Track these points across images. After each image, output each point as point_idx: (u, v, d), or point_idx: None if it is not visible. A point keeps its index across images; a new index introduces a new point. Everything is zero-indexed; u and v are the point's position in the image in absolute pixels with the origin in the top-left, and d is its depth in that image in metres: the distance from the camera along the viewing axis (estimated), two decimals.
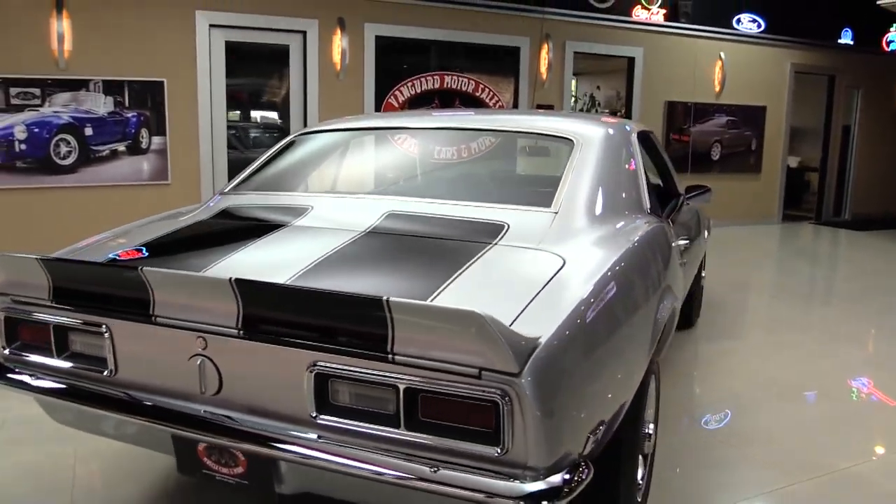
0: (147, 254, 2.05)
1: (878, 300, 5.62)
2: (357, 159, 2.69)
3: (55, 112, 5.88)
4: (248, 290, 1.54)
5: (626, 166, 2.47)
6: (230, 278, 1.54)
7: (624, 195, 2.34)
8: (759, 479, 2.62)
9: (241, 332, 1.58)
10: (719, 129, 9.12)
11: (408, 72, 7.37)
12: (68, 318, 1.82)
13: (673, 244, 2.72)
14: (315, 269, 1.79)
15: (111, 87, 6.04)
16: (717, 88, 8.99)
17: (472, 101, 7.65)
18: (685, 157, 8.92)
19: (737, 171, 9.38)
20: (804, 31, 9.38)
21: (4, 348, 1.96)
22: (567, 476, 1.40)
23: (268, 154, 2.71)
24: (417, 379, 1.43)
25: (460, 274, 1.70)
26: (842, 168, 10.44)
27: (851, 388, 3.61)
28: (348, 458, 1.49)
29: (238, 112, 6.94)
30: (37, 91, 5.79)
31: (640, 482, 2.26)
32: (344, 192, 2.36)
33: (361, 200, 2.25)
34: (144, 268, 1.65)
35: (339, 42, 6.86)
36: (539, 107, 7.98)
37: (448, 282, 1.66)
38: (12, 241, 5.68)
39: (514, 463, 1.39)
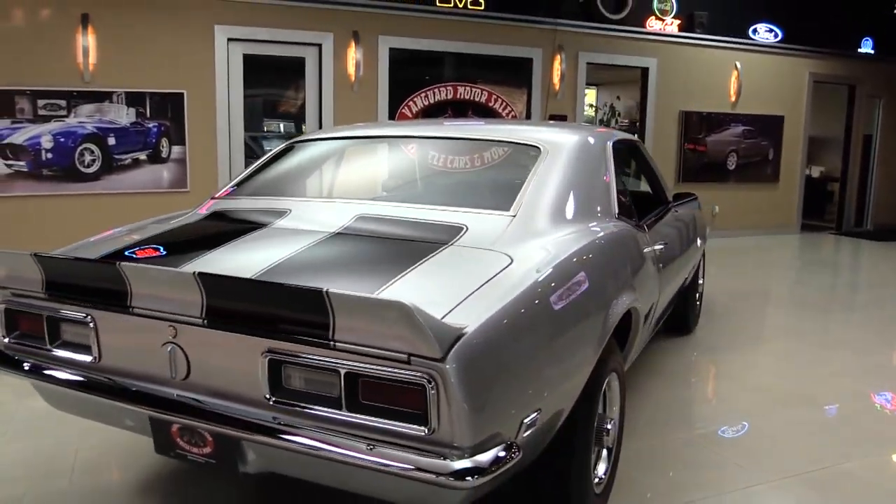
0: (137, 252, 2.21)
1: (888, 310, 5.60)
2: (339, 166, 2.84)
3: (80, 122, 6.15)
4: (210, 283, 1.69)
5: (594, 173, 2.58)
6: (194, 272, 1.68)
7: (588, 200, 2.44)
8: (727, 478, 2.69)
9: (205, 321, 1.73)
10: (735, 139, 9.12)
11: (421, 83, 7.53)
12: (59, 309, 1.98)
13: (646, 249, 2.82)
14: (281, 265, 1.93)
15: (133, 99, 6.30)
16: (733, 98, 9.00)
17: (485, 112, 7.79)
18: (701, 166, 8.94)
19: (754, 181, 9.36)
20: (823, 41, 9.34)
21: (5, 337, 2.14)
22: (493, 456, 1.51)
23: (260, 161, 2.88)
24: (356, 364, 1.55)
25: (411, 270, 1.83)
26: (863, 178, 10.33)
27: (845, 396, 3.63)
28: (297, 437, 1.62)
29: (255, 122, 7.16)
30: (63, 102, 6.08)
31: (603, 476, 2.35)
32: (323, 196, 2.51)
33: (336, 204, 2.39)
34: (122, 263, 1.81)
35: (353, 54, 7.05)
36: (552, 117, 8.08)
37: (398, 277, 1.78)
38: (39, 244, 5.95)
39: (442, 442, 1.50)
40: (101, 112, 6.22)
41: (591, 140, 2.76)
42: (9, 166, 5.95)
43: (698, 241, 4.12)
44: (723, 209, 9.17)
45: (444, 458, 1.49)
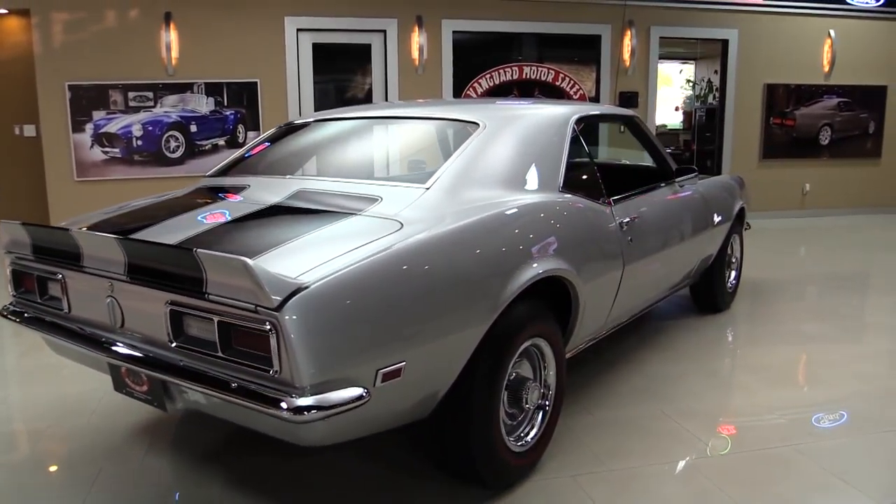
0: (114, 219, 2.56)
1: None
2: (300, 146, 3.09)
3: (165, 112, 6.79)
4: (128, 246, 1.99)
5: (536, 148, 2.67)
6: (116, 237, 1.99)
7: (519, 174, 2.54)
8: (679, 449, 2.71)
9: (128, 277, 2.03)
10: (829, 112, 8.57)
11: (486, 64, 7.65)
12: (42, 268, 2.36)
13: (609, 224, 2.87)
14: (209, 231, 2.20)
15: (212, 89, 6.86)
16: (826, 68, 8.45)
17: (552, 91, 7.79)
18: (788, 142, 8.49)
19: (851, 157, 8.77)
20: None
21: (14, 295, 2.56)
22: (333, 396, 1.71)
23: (250, 143, 3.19)
24: (224, 314, 1.79)
25: (306, 235, 2.04)
26: None
27: (848, 378, 3.49)
28: (185, 377, 1.90)
29: (325, 107, 7.57)
30: (150, 94, 6.73)
31: (530, 440, 2.45)
32: (279, 173, 2.76)
33: (286, 180, 2.64)
34: (72, 230, 2.15)
35: (417, 39, 7.28)
36: (622, 94, 7.96)
37: (291, 240, 2.00)
38: None
39: (285, 382, 1.71)
40: (184, 102, 6.83)
41: (542, 117, 2.83)
42: (105, 153, 6.69)
43: (716, 218, 4.03)
44: (814, 187, 8.67)
45: (289, 397, 1.70)
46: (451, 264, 2.04)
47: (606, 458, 2.64)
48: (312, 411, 1.68)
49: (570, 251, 2.53)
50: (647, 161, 4.04)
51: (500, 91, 7.67)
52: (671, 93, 13.60)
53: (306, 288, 1.70)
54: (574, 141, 2.91)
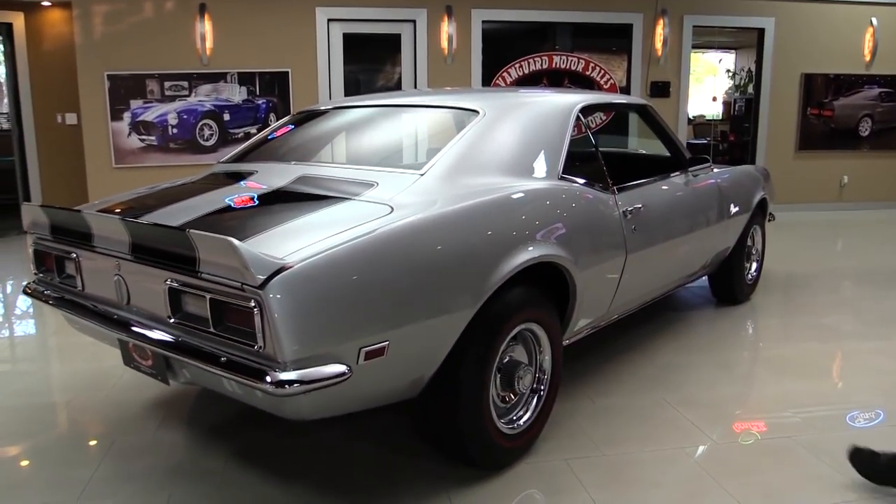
0: (130, 202, 2.67)
1: None
2: (307, 134, 3.17)
3: (199, 101, 6.97)
4: (131, 227, 2.09)
5: (537, 136, 2.70)
6: (120, 218, 2.10)
7: (518, 161, 2.57)
8: (676, 436, 2.73)
9: (132, 256, 2.14)
10: (870, 103, 8.34)
11: (516, 53, 7.63)
12: (59, 248, 2.49)
13: (613, 212, 2.89)
14: (212, 214, 2.30)
15: (244, 78, 7.01)
16: (868, 58, 8.21)
17: (581, 81, 7.75)
18: (826, 133, 8.29)
19: (894, 149, 8.51)
20: None
21: (36, 273, 2.70)
22: (314, 371, 1.78)
23: (266, 130, 3.29)
24: (216, 292, 1.88)
25: (300, 218, 2.12)
26: None
27: (863, 373, 3.44)
28: (182, 351, 1.99)
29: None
30: (185, 84, 6.91)
31: (522, 423, 2.50)
32: (286, 160, 2.84)
33: (291, 166, 2.72)
34: (84, 211, 2.27)
35: (446, 28, 7.31)
36: (653, 84, 7.88)
37: (286, 222, 2.08)
38: None
39: (269, 357, 1.79)
40: (217, 91, 7.00)
41: (544, 105, 2.85)
42: (142, 140, 6.90)
43: (733, 208, 4.00)
44: (853, 179, 8.46)
45: (272, 371, 1.78)
46: (436, 248, 2.09)
47: (602, 443, 2.67)
48: (294, 385, 1.76)
49: (567, 238, 2.56)
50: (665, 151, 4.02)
51: (530, 81, 7.65)
52: (716, 82, 13.37)
53: (290, 268, 1.77)
54: (578, 129, 2.93)
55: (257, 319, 1.77)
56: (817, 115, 8.25)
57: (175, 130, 6.95)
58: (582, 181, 2.81)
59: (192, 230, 1.83)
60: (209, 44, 6.86)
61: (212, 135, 7.03)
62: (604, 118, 7.76)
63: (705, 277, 4.35)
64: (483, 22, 7.43)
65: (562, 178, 2.69)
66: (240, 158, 3.09)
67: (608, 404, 3.02)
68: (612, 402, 3.05)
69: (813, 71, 8.13)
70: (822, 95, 8.21)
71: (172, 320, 2.05)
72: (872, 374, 3.38)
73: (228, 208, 2.35)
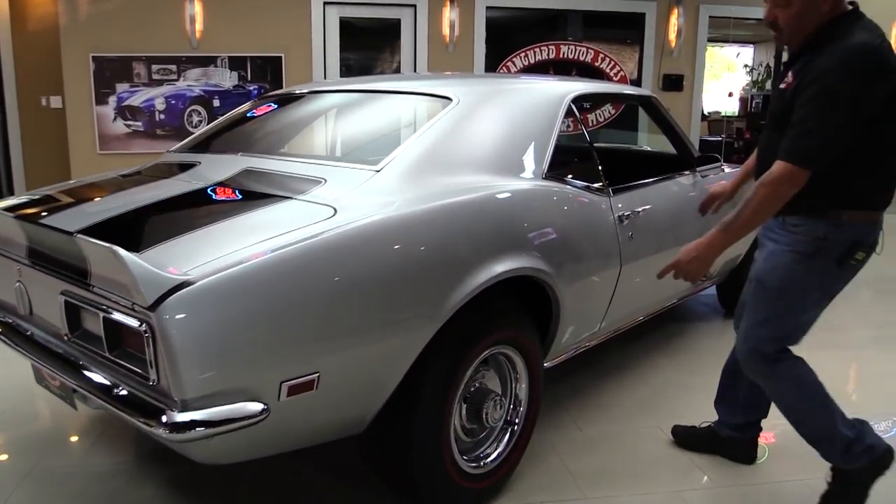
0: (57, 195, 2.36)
1: None
2: (267, 121, 2.82)
3: (188, 86, 6.66)
4: (28, 228, 1.78)
5: (517, 128, 2.35)
6: (15, 216, 1.78)
7: (492, 157, 2.23)
8: (665, 476, 2.39)
9: (28, 261, 1.82)
10: None
11: (521, 42, 7.27)
12: None
13: (608, 217, 2.54)
14: (131, 213, 1.98)
15: (236, 63, 6.69)
16: None
17: (590, 72, 7.37)
18: None
19: None
20: None
21: None
22: (218, 412, 1.46)
23: (224, 116, 2.96)
24: (107, 309, 1.56)
25: (226, 220, 1.79)
26: None
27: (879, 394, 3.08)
28: (75, 375, 1.68)
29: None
30: (173, 67, 6.60)
31: (490, 461, 2.17)
32: (233, 151, 2.50)
33: (238, 158, 2.39)
34: None
35: (448, 14, 6.95)
36: (665, 77, 7.48)
37: (206, 226, 1.75)
38: None
39: (164, 392, 1.47)
40: (207, 76, 6.68)
41: (530, 93, 2.51)
42: (127, 126, 6.60)
43: None
44: None
45: (169, 410, 1.46)
46: (382, 261, 1.75)
47: (586, 482, 2.33)
48: (196, 429, 1.44)
49: (547, 247, 2.21)
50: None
51: (536, 71, 7.29)
52: (733, 79, 12.89)
53: (191, 284, 1.45)
54: (570, 122, 2.58)
55: (149, 347, 1.45)
56: None
57: (162, 116, 6.64)
58: (571, 181, 2.46)
59: (80, 236, 1.51)
60: (199, 26, 6.54)
61: (201, 121, 6.71)
62: (612, 112, 7.39)
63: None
64: (487, 8, 7.06)
65: (547, 178, 2.35)
66: (193, 146, 2.76)
67: (596, 433, 2.68)
68: (602, 430, 2.71)
69: None
70: None
71: (69, 338, 1.74)
72: (889, 385, 3.02)
73: (151, 207, 2.03)
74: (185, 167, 2.44)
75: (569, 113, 2.61)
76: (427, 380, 1.89)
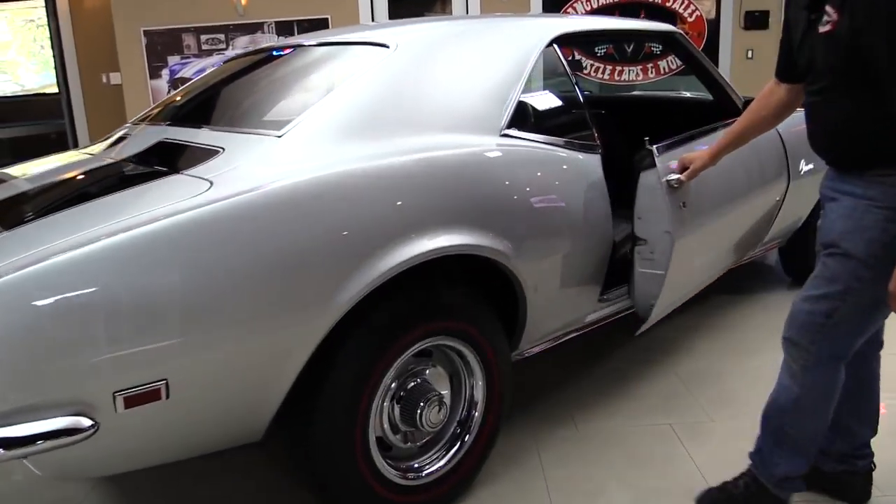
0: None
1: None
2: (211, 86, 2.56)
3: (237, 54, 6.55)
4: None
5: (471, 76, 1.98)
6: None
7: (432, 112, 1.88)
8: (665, 485, 2.02)
9: None
10: None
11: None
12: None
13: (594, 180, 2.14)
14: (16, 195, 1.81)
15: (282, 27, 6.52)
16: None
17: (660, 14, 6.68)
18: None
19: None
20: None
21: None
22: (17, 429, 1.25)
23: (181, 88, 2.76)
24: None
25: (86, 203, 1.58)
26: None
27: None
28: None
29: None
30: (221, 36, 6.52)
31: (433, 470, 1.89)
32: (166, 120, 2.27)
33: (161, 128, 2.16)
34: None
35: None
36: (747, 14, 6.68)
37: (63, 210, 1.55)
38: None
39: None
40: (255, 43, 6.55)
41: (493, 35, 2.13)
42: None
43: (805, 167, 3.07)
44: None
45: None
46: (253, 245, 1.47)
47: (562, 496, 1.99)
48: None
49: (501, 218, 1.86)
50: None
51: (600, 14, 6.68)
52: None
53: None
54: (549, 69, 2.19)
55: None
56: None
57: None
58: (544, 139, 2.07)
59: None
60: None
61: None
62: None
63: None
64: None
65: (505, 134, 1.97)
66: (145, 117, 2.56)
67: (593, 431, 2.34)
68: (601, 426, 2.37)
69: None
70: None
71: None
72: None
73: (38, 188, 1.85)
74: (119, 140, 2.25)
75: (553, 56, 2.21)
76: (333, 379, 1.62)
